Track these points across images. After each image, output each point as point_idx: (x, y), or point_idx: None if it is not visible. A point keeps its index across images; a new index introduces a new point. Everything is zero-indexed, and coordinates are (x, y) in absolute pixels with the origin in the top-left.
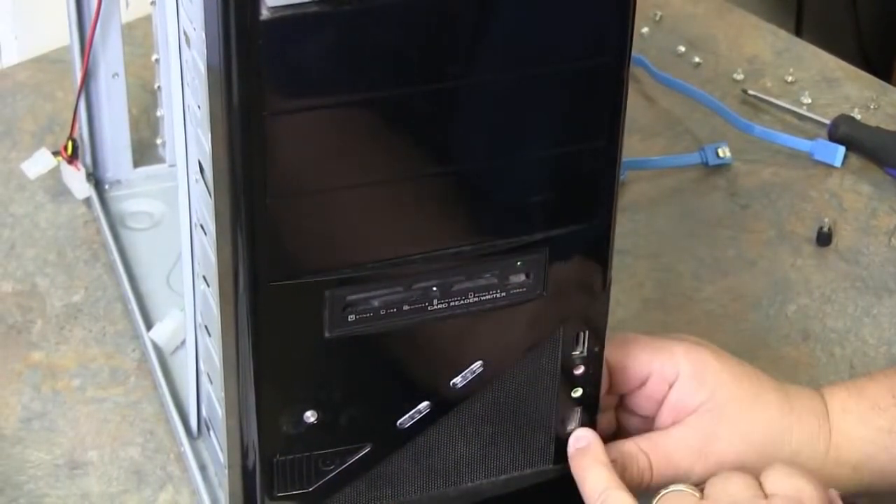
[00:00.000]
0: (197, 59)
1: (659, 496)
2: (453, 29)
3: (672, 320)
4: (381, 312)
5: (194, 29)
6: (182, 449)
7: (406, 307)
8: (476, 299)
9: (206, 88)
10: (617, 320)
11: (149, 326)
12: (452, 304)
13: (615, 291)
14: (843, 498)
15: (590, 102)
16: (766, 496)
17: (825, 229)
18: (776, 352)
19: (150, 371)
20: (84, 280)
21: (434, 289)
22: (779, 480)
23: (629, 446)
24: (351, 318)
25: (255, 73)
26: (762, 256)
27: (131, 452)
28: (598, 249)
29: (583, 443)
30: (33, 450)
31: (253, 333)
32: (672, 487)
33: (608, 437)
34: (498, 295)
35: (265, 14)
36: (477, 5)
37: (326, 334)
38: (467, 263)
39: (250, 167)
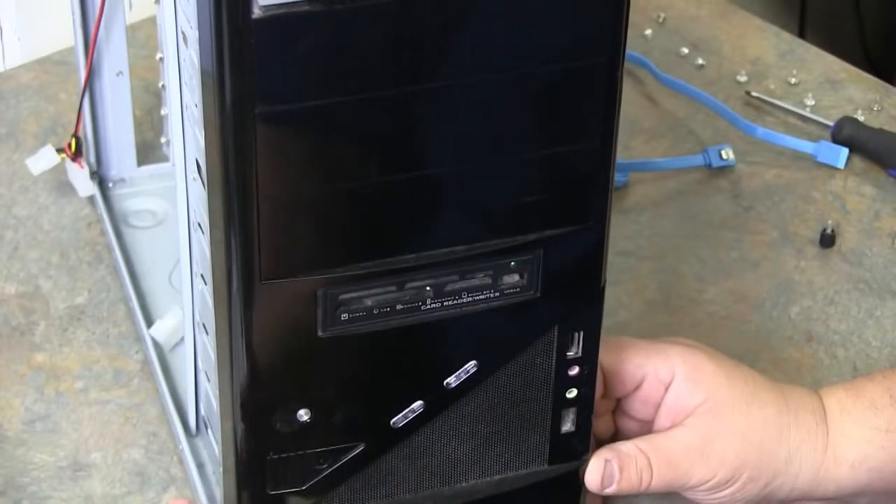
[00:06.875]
0: (194, 57)
1: None
2: (446, 29)
3: (675, 322)
4: (375, 312)
5: (191, 28)
6: (180, 447)
7: (399, 307)
8: (470, 299)
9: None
10: (620, 322)
11: (150, 325)
12: (446, 303)
13: (618, 293)
14: (842, 498)
15: (584, 102)
16: None
17: (828, 231)
18: (779, 354)
19: (151, 371)
20: (87, 282)
21: (427, 289)
22: None
23: (627, 447)
24: (344, 317)
25: (247, 71)
26: (765, 258)
27: (134, 454)
28: (593, 250)
29: None
30: (36, 452)
31: (246, 331)
32: None
33: (607, 441)
34: (492, 295)
35: (257, 13)
36: (470, 5)
37: (319, 333)
38: (461, 263)
39: (242, 165)
